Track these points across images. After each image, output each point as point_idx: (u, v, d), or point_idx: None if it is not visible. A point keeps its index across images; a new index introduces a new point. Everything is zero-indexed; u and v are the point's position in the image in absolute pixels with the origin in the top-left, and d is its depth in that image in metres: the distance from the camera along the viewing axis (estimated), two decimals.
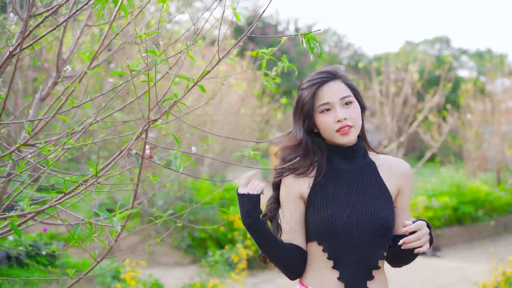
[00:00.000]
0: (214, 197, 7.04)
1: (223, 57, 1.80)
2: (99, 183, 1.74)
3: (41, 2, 2.01)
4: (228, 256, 5.26)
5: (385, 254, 1.75)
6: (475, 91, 11.13)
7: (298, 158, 1.75)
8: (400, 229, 1.74)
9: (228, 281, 4.40)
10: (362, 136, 1.82)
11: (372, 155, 1.82)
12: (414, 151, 17.33)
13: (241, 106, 8.25)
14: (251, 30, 1.81)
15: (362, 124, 1.81)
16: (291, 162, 1.75)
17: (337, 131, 1.73)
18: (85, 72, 1.39)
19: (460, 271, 6.47)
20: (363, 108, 1.81)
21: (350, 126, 1.73)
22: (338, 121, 1.72)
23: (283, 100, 5.14)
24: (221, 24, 1.83)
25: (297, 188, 1.78)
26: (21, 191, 2.09)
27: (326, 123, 1.74)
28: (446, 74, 9.42)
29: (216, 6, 2.03)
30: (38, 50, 4.04)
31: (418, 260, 6.68)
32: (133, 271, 3.84)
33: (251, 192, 1.69)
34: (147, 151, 3.23)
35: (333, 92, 1.75)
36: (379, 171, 1.78)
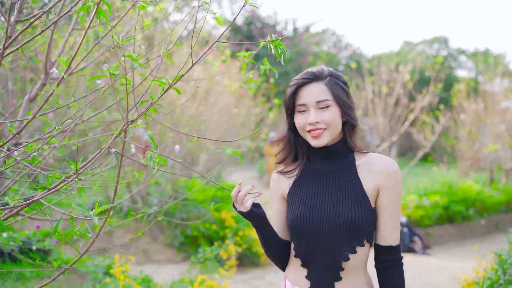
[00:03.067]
0: (206, 196, 7.15)
1: (196, 62, 1.90)
2: (80, 179, 1.84)
3: (26, 8, 2.12)
4: (218, 252, 5.38)
5: (352, 255, 1.72)
6: (468, 91, 11.24)
7: (283, 151, 1.85)
8: (382, 231, 1.72)
9: (216, 276, 4.50)
10: (347, 136, 1.80)
11: (357, 155, 1.80)
12: (411, 150, 17.46)
13: (234, 106, 8.36)
14: (223, 34, 1.91)
15: (351, 125, 1.80)
16: (277, 156, 1.88)
17: (308, 131, 1.76)
18: (63, 77, 1.49)
19: (447, 269, 6.58)
20: (347, 110, 1.78)
21: (323, 129, 1.73)
22: (309, 123, 1.74)
23: (276, 100, 5.24)
24: (200, 26, 1.93)
25: (280, 187, 1.87)
26: (9, 187, 2.20)
27: (299, 123, 1.77)
28: (437, 75, 9.53)
29: (196, 7, 2.13)
30: (33, 51, 4.16)
31: (408, 258, 6.77)
32: (123, 267, 3.95)
33: (241, 210, 1.73)
34: (133, 150, 3.34)
35: (311, 94, 1.76)
36: (358, 171, 1.75)
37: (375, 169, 1.74)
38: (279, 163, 1.88)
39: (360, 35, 58.45)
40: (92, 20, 1.53)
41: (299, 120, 1.78)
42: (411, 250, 7.76)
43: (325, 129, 1.74)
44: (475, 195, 9.18)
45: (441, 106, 10.56)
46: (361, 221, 1.69)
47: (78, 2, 1.98)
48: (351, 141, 1.80)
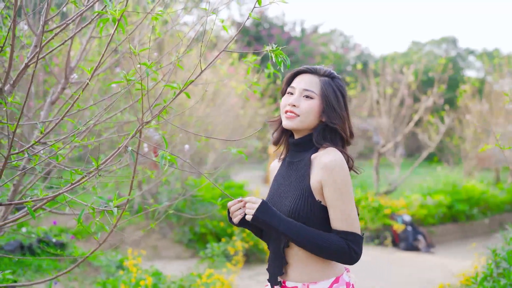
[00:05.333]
0: (214, 194, 7.37)
1: (205, 69, 2.10)
2: (100, 175, 2.06)
3: (52, 19, 2.34)
4: (225, 248, 5.59)
5: (293, 243, 1.80)
6: (473, 91, 11.34)
7: (276, 132, 1.98)
8: (330, 219, 1.78)
9: (223, 271, 4.71)
10: (317, 133, 1.86)
11: (321, 150, 1.84)
12: (418, 151, 17.58)
13: (241, 107, 8.56)
14: (232, 39, 2.11)
15: (330, 128, 1.86)
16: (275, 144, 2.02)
17: (285, 112, 1.87)
18: (87, 83, 1.71)
19: (446, 266, 6.73)
20: (330, 111, 1.83)
21: (296, 115, 1.83)
22: (288, 104, 1.86)
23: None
24: (209, 32, 2.14)
25: (273, 175, 2.07)
26: (34, 182, 2.42)
27: (282, 102, 1.91)
28: (440, 76, 9.67)
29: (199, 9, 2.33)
30: (48, 56, 4.39)
31: (411, 256, 6.92)
32: (135, 260, 4.17)
33: (233, 220, 1.89)
34: (145, 149, 3.56)
35: (302, 81, 1.88)
36: (312, 165, 1.82)
37: (318, 164, 1.80)
38: (275, 144, 2.00)
39: (368, 36, 58.45)
40: (113, 34, 1.74)
41: (283, 100, 1.91)
42: (415, 249, 7.91)
43: (298, 115, 1.84)
44: (479, 194, 9.30)
45: (446, 107, 10.69)
46: (300, 212, 1.77)
47: (96, 16, 2.19)
48: (318, 137, 1.85)
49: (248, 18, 2.10)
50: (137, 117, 2.08)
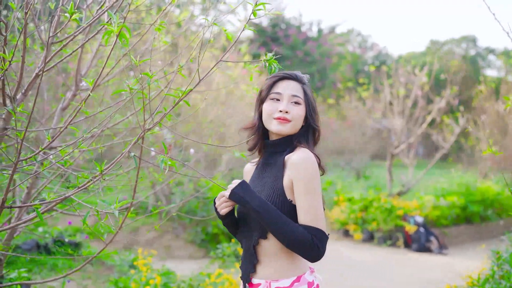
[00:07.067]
0: None
1: (203, 78, 2.21)
2: (104, 179, 2.18)
3: (60, 31, 2.47)
4: (235, 249, 5.69)
5: (264, 241, 1.88)
6: (489, 91, 11.23)
7: (253, 138, 2.03)
8: (298, 214, 1.83)
9: (232, 270, 4.81)
10: (297, 134, 1.96)
11: (296, 151, 1.92)
12: (438, 151, 17.45)
13: (253, 110, 8.62)
14: (226, 55, 2.21)
15: (312, 128, 1.98)
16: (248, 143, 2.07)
17: (275, 118, 1.92)
18: (89, 95, 1.82)
19: (452, 266, 6.73)
20: (313, 113, 1.97)
21: (288, 120, 1.91)
22: (280, 111, 1.91)
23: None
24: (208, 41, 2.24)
25: (247, 178, 2.16)
26: (45, 185, 2.56)
27: (269, 108, 1.94)
28: (452, 77, 9.61)
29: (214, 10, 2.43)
30: (66, 60, 4.56)
31: (422, 257, 6.91)
32: (145, 260, 4.31)
33: (218, 210, 1.98)
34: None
35: (288, 87, 1.96)
36: (285, 166, 1.90)
37: (289, 163, 1.88)
38: (250, 150, 2.07)
39: (386, 35, 58.01)
40: (115, 42, 1.85)
41: (271, 106, 1.95)
42: (427, 250, 7.91)
43: (290, 121, 1.92)
44: (494, 196, 9.22)
45: (461, 108, 10.62)
46: None
47: (101, 28, 2.32)
48: (301, 138, 1.95)
49: (243, 30, 2.20)
50: (139, 124, 2.19)
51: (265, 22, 22.96)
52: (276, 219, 1.79)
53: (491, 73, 29.08)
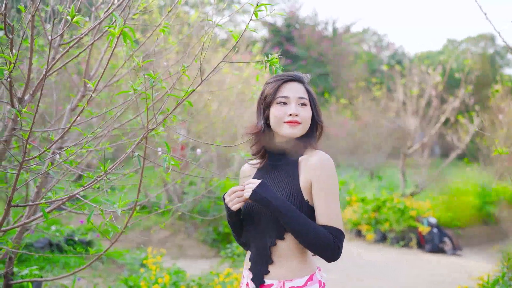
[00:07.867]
0: None
1: (207, 76, 2.22)
2: (108, 179, 2.21)
3: (67, 33, 2.52)
4: None
5: (280, 241, 1.87)
6: (506, 90, 11.05)
7: (258, 143, 2.02)
8: (316, 215, 1.85)
9: (241, 270, 4.83)
10: (308, 135, 1.98)
11: (307, 152, 1.95)
12: (454, 151, 17.23)
13: None
14: (227, 55, 2.23)
15: (320, 127, 2.01)
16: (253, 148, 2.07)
17: (285, 122, 1.93)
18: (91, 96, 1.86)
19: (465, 268, 6.64)
20: (318, 113, 2.00)
21: (299, 123, 1.93)
22: (290, 114, 1.92)
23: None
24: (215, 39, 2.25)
25: (246, 178, 2.13)
26: (54, 184, 2.61)
27: (279, 113, 1.94)
28: (466, 77, 9.49)
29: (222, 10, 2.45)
30: (76, 61, 4.62)
31: (426, 257, 6.83)
32: (155, 259, 4.35)
33: (229, 206, 1.94)
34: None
35: (294, 90, 1.97)
36: (299, 167, 1.92)
37: (307, 165, 1.89)
38: (254, 154, 2.08)
39: (403, 34, 57.47)
40: (116, 43, 1.88)
41: (279, 110, 1.95)
42: (441, 251, 7.83)
43: (300, 123, 1.94)
44: (510, 196, 9.08)
45: (477, 107, 10.48)
46: None
47: (106, 30, 2.35)
48: (311, 139, 1.98)
49: (245, 30, 2.21)
50: (143, 125, 2.22)
51: (279, 22, 22.94)
52: (298, 219, 1.80)
53: (510, 71, 28.62)
